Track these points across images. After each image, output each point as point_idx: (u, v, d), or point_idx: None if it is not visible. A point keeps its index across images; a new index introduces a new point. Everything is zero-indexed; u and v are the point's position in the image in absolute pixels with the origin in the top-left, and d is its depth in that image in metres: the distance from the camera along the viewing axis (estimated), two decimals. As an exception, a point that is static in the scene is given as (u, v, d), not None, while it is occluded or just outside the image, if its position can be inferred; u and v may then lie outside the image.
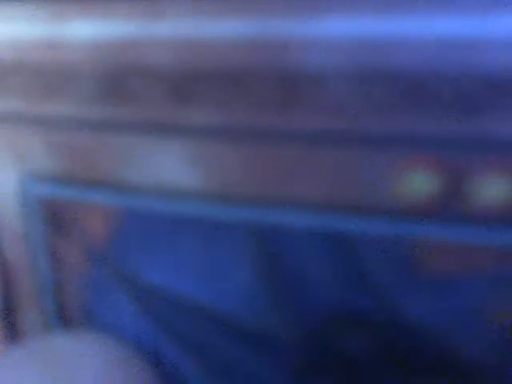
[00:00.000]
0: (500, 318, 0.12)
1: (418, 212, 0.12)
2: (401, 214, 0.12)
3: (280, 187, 0.14)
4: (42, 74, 0.15)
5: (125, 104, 0.15)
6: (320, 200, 0.13)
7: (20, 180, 0.16)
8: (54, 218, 0.17)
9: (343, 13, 0.12)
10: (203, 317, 0.16)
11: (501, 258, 0.12)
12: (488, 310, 0.12)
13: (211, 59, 0.13)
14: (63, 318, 0.18)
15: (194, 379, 0.17)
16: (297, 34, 0.12)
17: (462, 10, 0.11)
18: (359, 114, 0.12)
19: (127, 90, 0.15)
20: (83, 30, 0.14)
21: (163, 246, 0.16)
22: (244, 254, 0.15)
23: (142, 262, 0.16)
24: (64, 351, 0.16)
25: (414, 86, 0.12)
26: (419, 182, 0.12)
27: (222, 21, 0.13)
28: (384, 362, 0.13)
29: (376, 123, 0.12)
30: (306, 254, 0.14)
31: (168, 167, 0.15)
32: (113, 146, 0.15)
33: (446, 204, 0.12)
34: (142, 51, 0.14)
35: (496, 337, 0.12)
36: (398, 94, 0.12)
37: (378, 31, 0.12)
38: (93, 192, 0.16)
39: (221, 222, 0.14)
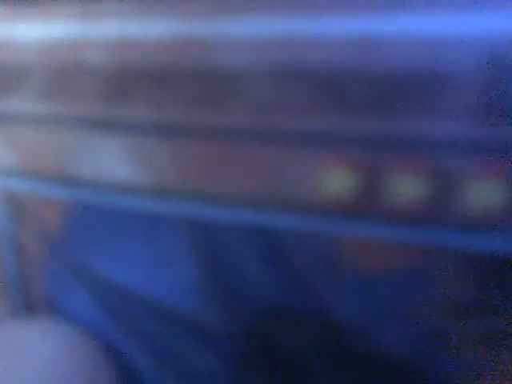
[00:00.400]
0: (421, 314, 0.13)
1: (340, 209, 0.13)
2: (323, 211, 0.13)
3: (210, 183, 0.14)
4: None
5: (68, 101, 0.16)
6: (247, 196, 0.14)
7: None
8: (16, 211, 0.18)
9: (260, 13, 0.13)
10: (150, 309, 0.17)
11: (417, 255, 0.13)
12: (408, 306, 0.13)
13: (141, 58, 0.14)
14: (30, 310, 0.19)
15: (147, 370, 0.17)
16: (218, 33, 0.13)
17: (367, 9, 0.12)
18: (277, 112, 0.13)
19: (70, 88, 0.16)
20: (24, 31, 0.16)
21: (112, 239, 0.17)
22: (183, 248, 0.15)
23: (93, 255, 0.17)
24: (16, 337, 0.16)
25: (325, 85, 0.12)
26: (337, 180, 0.13)
27: (150, 21, 0.14)
28: (317, 358, 0.14)
29: (292, 122, 0.13)
30: (238, 249, 0.15)
31: (110, 163, 0.16)
32: (61, 143, 0.16)
33: (363, 202, 0.13)
34: (80, 51, 0.15)
35: (418, 332, 0.13)
36: (310, 93, 0.13)
37: (292, 31, 0.13)
38: (47, 186, 0.17)
39: (161, 216, 0.15)
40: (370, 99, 0.12)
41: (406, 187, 0.12)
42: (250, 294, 0.15)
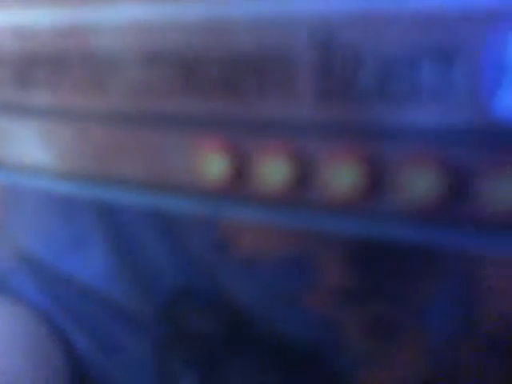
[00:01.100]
0: (307, 301, 0.13)
1: (217, 193, 0.13)
2: (204, 195, 0.13)
3: (108, 166, 0.15)
4: None
5: None
6: (141, 179, 0.14)
7: None
8: None
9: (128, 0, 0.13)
10: (78, 290, 0.17)
11: (296, 239, 0.13)
12: (294, 292, 0.13)
13: (36, 46, 0.15)
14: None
15: (87, 351, 0.18)
16: (95, 20, 0.14)
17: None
18: (148, 95, 0.13)
19: None
20: None
21: (40, 220, 0.17)
22: (95, 230, 0.16)
23: (26, 236, 0.18)
24: None
25: (187, 69, 0.13)
26: (213, 163, 0.13)
27: (38, 11, 0.15)
28: (223, 342, 0.15)
29: (162, 105, 0.13)
30: (140, 232, 0.15)
31: (27, 147, 0.16)
32: None
33: (235, 185, 0.13)
34: None
35: (307, 319, 0.13)
36: (179, 76, 0.13)
37: (158, 16, 0.13)
38: None
39: (74, 198, 0.16)
40: (224, 82, 0.12)
41: (271, 170, 0.12)
42: (157, 277, 0.15)
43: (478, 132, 0.10)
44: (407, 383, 0.12)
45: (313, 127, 0.12)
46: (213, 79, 0.12)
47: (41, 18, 0.15)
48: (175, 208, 0.14)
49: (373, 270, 0.12)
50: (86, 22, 0.14)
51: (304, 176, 0.12)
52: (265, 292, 0.13)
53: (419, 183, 0.11)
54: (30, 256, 0.18)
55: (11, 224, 0.18)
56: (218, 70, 0.12)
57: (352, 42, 0.11)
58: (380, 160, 0.11)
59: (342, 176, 0.12)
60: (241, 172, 0.13)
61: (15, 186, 0.17)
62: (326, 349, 0.13)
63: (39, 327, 0.18)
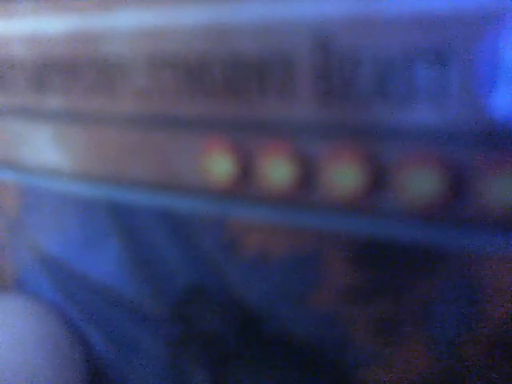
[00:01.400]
0: (315, 298, 0.13)
1: (224, 192, 0.13)
2: (212, 194, 0.14)
3: (120, 167, 0.15)
4: None
5: (1, 92, 0.17)
6: (151, 180, 0.15)
7: None
8: None
9: (132, 7, 0.14)
10: (93, 289, 0.18)
11: (303, 238, 0.13)
12: (302, 290, 0.13)
13: (53, 51, 0.15)
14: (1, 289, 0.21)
15: (99, 348, 0.18)
16: (103, 27, 0.14)
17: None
18: (158, 99, 0.14)
19: (2, 81, 0.17)
20: None
21: (56, 221, 0.18)
22: (109, 230, 0.16)
23: (43, 236, 0.18)
24: None
25: (193, 72, 0.13)
26: (219, 164, 0.13)
27: (50, 18, 0.15)
28: (233, 340, 0.15)
29: (172, 108, 0.14)
30: (151, 231, 0.15)
31: (42, 149, 0.17)
32: (3, 131, 0.18)
33: (244, 184, 0.13)
34: (5, 46, 0.17)
35: (315, 316, 0.13)
36: (184, 79, 0.13)
37: (168, 23, 0.13)
38: (1, 173, 0.18)
39: (88, 199, 0.16)
40: (228, 85, 0.12)
41: (275, 170, 0.12)
42: (168, 276, 0.16)
43: (476, 132, 0.10)
44: (411, 380, 0.12)
45: (314, 127, 0.12)
46: (217, 82, 0.13)
47: (54, 26, 0.15)
48: (184, 208, 0.14)
49: (376, 268, 0.12)
50: (97, 28, 0.15)
51: (307, 175, 0.12)
52: (272, 290, 0.14)
53: (419, 182, 0.11)
54: (47, 256, 0.19)
55: (29, 224, 0.18)
56: (221, 73, 0.13)
57: (350, 44, 0.11)
58: (380, 160, 0.11)
59: (343, 175, 0.12)
60: (246, 172, 0.13)
61: (32, 188, 0.18)
62: (332, 346, 0.13)
63: (56, 325, 0.18)
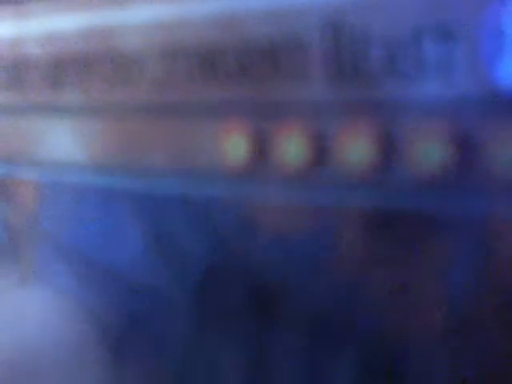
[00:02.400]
0: (333, 270, 0.14)
1: (244, 174, 0.14)
2: (230, 177, 0.14)
3: (138, 156, 0.16)
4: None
5: (17, 91, 0.18)
6: (170, 166, 0.15)
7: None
8: (4, 193, 0.20)
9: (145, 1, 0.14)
10: (114, 277, 0.18)
11: (317, 214, 0.13)
12: (321, 263, 0.14)
13: (68, 47, 0.16)
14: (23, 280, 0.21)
15: (119, 333, 0.19)
16: (118, 21, 0.15)
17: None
18: (173, 87, 0.14)
19: (18, 78, 0.17)
20: None
21: (76, 213, 0.18)
22: (131, 219, 0.17)
23: (63, 229, 0.19)
24: (14, 301, 0.19)
25: (206, 60, 0.14)
26: (235, 147, 0.14)
27: (65, 17, 0.16)
28: (254, 317, 0.15)
29: (188, 95, 0.14)
30: (172, 217, 0.16)
31: (61, 144, 0.17)
32: (22, 129, 0.18)
33: (260, 165, 0.13)
34: (20, 46, 0.17)
35: (335, 287, 0.14)
36: (199, 67, 0.14)
37: (180, 14, 0.14)
38: (20, 169, 0.19)
39: (108, 189, 0.17)
40: (241, 70, 0.13)
41: (290, 150, 0.13)
42: (190, 259, 0.16)
43: (483, 102, 0.11)
44: (428, 337, 0.13)
45: (326, 107, 0.12)
46: (230, 68, 0.13)
47: (68, 23, 0.16)
48: (203, 192, 0.15)
49: (390, 237, 0.13)
50: (110, 23, 0.15)
51: (321, 154, 0.13)
52: (292, 267, 0.14)
53: (430, 154, 0.12)
54: (66, 248, 0.19)
55: (48, 218, 0.19)
56: (234, 59, 0.13)
57: (360, 24, 0.11)
58: (391, 134, 0.12)
59: (356, 152, 0.12)
60: (262, 153, 0.13)
61: (52, 182, 0.18)
62: (352, 312, 0.14)
63: (76, 316, 0.19)
